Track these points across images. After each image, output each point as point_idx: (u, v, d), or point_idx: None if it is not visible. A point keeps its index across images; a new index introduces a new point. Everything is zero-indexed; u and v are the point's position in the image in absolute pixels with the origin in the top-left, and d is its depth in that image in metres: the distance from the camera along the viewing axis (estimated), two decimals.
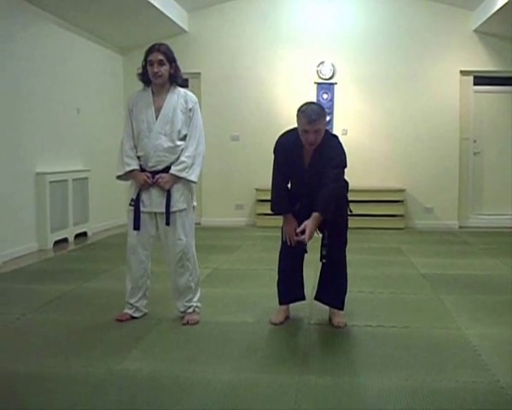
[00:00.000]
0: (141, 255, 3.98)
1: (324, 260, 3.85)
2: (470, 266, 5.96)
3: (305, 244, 3.89)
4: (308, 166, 3.81)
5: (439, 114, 8.94)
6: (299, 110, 3.70)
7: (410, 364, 3.23)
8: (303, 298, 4.12)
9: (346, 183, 3.96)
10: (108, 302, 4.47)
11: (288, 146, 3.84)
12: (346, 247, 3.97)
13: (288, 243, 3.89)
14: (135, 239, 3.95)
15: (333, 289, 3.99)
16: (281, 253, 4.09)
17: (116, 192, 8.52)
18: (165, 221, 3.87)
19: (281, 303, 4.07)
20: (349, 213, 3.99)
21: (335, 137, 3.91)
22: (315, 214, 3.62)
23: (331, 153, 3.72)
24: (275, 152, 3.92)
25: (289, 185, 3.98)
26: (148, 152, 3.84)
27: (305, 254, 4.01)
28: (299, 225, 3.80)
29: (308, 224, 3.60)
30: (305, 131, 3.64)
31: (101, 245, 7.36)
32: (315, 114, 3.60)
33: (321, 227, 3.85)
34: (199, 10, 9.10)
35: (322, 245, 3.84)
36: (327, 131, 3.81)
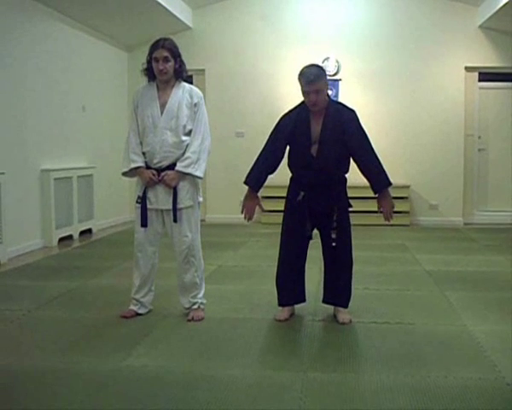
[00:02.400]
0: (148, 252, 3.98)
1: (335, 244, 3.80)
2: (475, 263, 5.95)
3: (310, 232, 3.87)
4: (319, 139, 3.75)
5: (443, 111, 8.92)
6: (299, 73, 3.76)
7: (415, 361, 3.22)
8: (303, 300, 4.06)
9: (345, 179, 3.95)
10: (113, 299, 4.48)
11: (294, 117, 3.85)
12: (351, 244, 3.94)
13: (245, 218, 3.88)
14: (142, 236, 3.95)
15: (337, 288, 3.95)
16: (280, 253, 4.03)
17: (121, 189, 8.55)
18: (172, 218, 3.87)
19: (280, 305, 4.03)
20: (349, 208, 3.97)
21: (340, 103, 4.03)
22: (385, 191, 3.77)
23: (344, 116, 3.82)
24: (277, 123, 3.91)
25: (293, 171, 3.93)
26: (154, 148, 3.84)
27: (307, 255, 3.99)
28: (301, 220, 3.79)
29: (384, 204, 3.77)
30: (306, 93, 3.73)
31: (106, 242, 7.37)
32: (313, 75, 3.69)
33: (324, 219, 3.83)
34: (203, 7, 9.09)
35: (332, 229, 3.79)
36: (330, 98, 3.86)
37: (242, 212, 3.92)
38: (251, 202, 3.89)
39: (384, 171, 3.80)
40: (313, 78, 3.68)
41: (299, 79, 3.74)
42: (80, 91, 7.81)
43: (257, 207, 3.93)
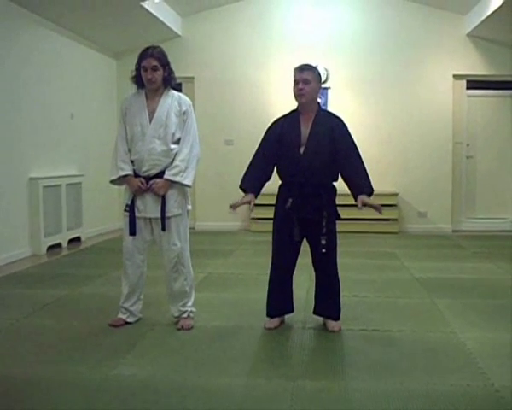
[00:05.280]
0: (137, 260, 3.96)
1: (324, 250, 3.77)
2: (464, 270, 5.98)
3: (299, 240, 3.87)
4: (308, 139, 3.79)
5: (432, 118, 8.97)
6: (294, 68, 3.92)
7: (404, 368, 3.23)
8: (291, 311, 4.06)
9: (334, 188, 3.95)
10: (102, 307, 4.45)
11: (283, 120, 3.95)
12: (336, 255, 3.94)
13: (231, 206, 3.89)
14: (131, 244, 3.94)
15: (329, 301, 3.95)
16: (272, 263, 4.02)
17: (110, 197, 8.51)
18: (160, 227, 3.86)
19: (268, 315, 4.01)
20: (337, 218, 3.95)
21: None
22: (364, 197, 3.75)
23: (333, 121, 3.91)
24: (268, 128, 3.98)
25: (282, 176, 3.93)
26: (143, 156, 3.83)
27: (297, 262, 3.98)
28: (290, 228, 3.78)
29: (366, 200, 3.78)
30: (295, 83, 3.84)
31: (94, 250, 7.34)
32: (305, 65, 3.88)
33: (313, 227, 3.81)
34: (192, 15, 9.10)
35: (321, 235, 3.76)
36: (319, 106, 3.96)
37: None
38: (244, 199, 3.85)
39: (368, 177, 3.81)
40: (304, 67, 3.84)
41: (293, 71, 3.86)
42: (68, 99, 7.78)
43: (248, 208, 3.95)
